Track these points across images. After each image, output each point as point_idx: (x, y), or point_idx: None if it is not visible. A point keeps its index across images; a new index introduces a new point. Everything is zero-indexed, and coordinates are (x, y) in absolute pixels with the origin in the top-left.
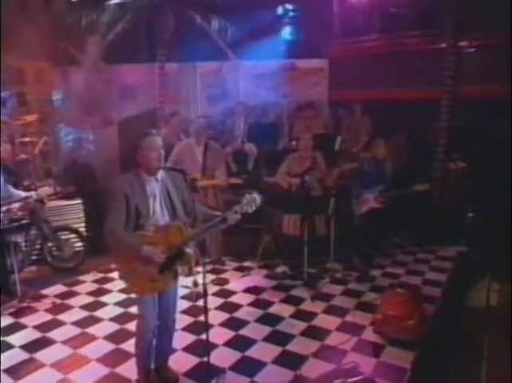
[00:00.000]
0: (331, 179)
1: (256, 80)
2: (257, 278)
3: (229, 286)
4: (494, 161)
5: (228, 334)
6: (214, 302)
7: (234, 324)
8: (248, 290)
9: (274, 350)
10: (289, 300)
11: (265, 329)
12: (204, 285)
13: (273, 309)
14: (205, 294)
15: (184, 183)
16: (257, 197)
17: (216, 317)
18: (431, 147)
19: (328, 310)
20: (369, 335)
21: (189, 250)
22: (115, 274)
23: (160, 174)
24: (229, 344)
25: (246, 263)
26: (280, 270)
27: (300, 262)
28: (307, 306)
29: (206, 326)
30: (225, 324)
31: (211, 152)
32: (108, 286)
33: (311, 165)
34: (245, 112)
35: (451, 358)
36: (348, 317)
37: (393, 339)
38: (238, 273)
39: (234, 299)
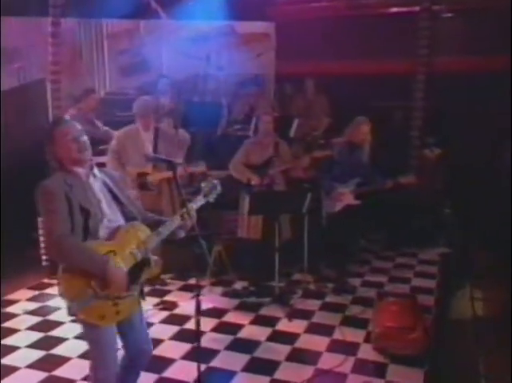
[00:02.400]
0: (298, 169)
1: (183, 47)
2: (213, 298)
3: (179, 311)
4: (472, 147)
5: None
6: (166, 331)
7: (200, 355)
8: (206, 313)
9: (261, 381)
10: (260, 321)
11: (242, 358)
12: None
13: (244, 334)
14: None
15: (124, 185)
16: (216, 182)
17: (174, 349)
18: (403, 131)
19: (311, 329)
20: (367, 353)
21: (154, 257)
22: (15, 308)
23: (96, 170)
24: (203, 380)
25: (193, 281)
26: (239, 286)
27: (263, 275)
28: (284, 325)
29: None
30: (189, 356)
31: (164, 137)
32: (9, 324)
33: (274, 154)
34: (171, 88)
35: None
36: (337, 335)
37: (395, 356)
38: (187, 293)
39: (191, 325)
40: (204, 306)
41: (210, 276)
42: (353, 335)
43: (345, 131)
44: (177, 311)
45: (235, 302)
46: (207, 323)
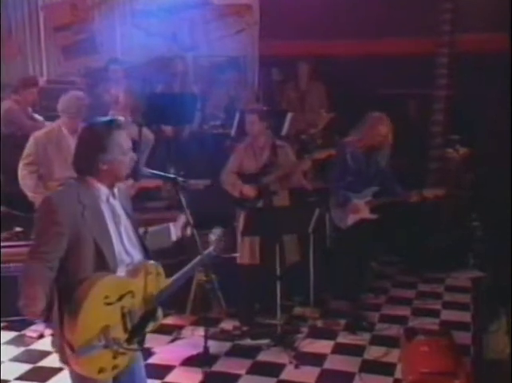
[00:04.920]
0: (300, 176)
1: (143, 22)
2: (196, 342)
3: (157, 359)
4: (506, 145)
5: None
6: None
7: None
8: (190, 362)
9: None
10: (260, 369)
11: None
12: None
13: None
14: None
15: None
16: (220, 233)
17: None
18: (419, 125)
19: (325, 378)
20: None
21: (160, 310)
22: None
23: (116, 188)
24: None
25: (169, 320)
26: (228, 325)
27: (258, 310)
28: (290, 374)
29: None
30: None
31: None
32: None
33: (271, 158)
34: (126, 75)
35: None
36: None
37: None
38: (163, 336)
39: (173, 378)
40: (186, 352)
41: (191, 313)
42: None
43: (357, 128)
44: (154, 360)
45: (225, 345)
46: (193, 375)
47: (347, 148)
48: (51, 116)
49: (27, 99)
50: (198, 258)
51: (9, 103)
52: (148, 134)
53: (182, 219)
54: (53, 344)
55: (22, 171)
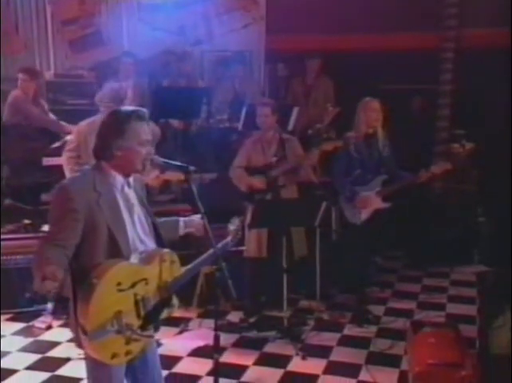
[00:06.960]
0: (307, 170)
1: (149, 17)
2: (204, 333)
3: (164, 350)
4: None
5: None
6: None
7: None
8: (197, 353)
9: None
10: (267, 360)
11: None
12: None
13: (249, 377)
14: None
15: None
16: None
17: None
18: (423, 121)
19: (331, 369)
20: None
21: (175, 299)
22: None
23: (132, 177)
24: None
25: (176, 313)
26: (234, 317)
27: (263, 304)
28: (297, 365)
29: None
30: None
31: None
32: None
33: (279, 152)
34: (136, 68)
35: None
36: (364, 376)
37: None
38: (170, 328)
39: (181, 369)
40: (194, 344)
41: (197, 305)
42: (384, 375)
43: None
44: (161, 351)
45: (232, 337)
46: (200, 365)
47: (350, 141)
48: (59, 110)
49: (27, 90)
50: (217, 247)
51: (16, 92)
52: (155, 129)
53: (196, 220)
54: (71, 328)
55: (64, 156)
